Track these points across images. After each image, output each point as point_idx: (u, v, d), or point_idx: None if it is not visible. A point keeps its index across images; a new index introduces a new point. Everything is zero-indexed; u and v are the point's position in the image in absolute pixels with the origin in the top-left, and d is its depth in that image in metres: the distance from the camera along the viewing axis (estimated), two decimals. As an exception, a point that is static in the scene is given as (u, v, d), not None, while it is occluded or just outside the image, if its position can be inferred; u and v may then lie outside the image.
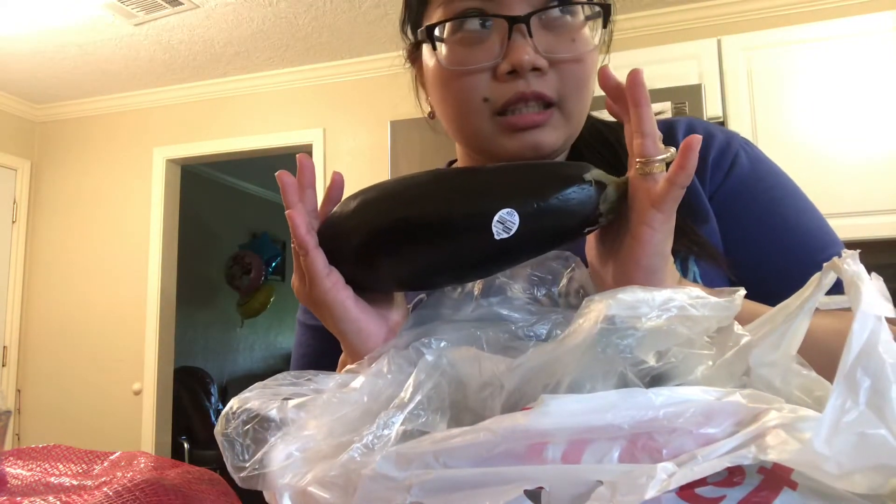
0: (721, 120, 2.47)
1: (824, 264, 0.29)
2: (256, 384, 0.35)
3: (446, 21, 0.57)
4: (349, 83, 3.46)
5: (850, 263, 0.27)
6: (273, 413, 0.33)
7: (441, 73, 0.58)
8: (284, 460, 0.31)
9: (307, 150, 3.49)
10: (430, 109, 0.66)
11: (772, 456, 0.24)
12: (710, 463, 0.24)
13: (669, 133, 0.64)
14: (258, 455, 0.32)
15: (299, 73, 3.52)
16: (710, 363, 0.31)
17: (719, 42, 2.51)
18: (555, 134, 0.57)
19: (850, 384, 0.24)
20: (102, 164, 3.88)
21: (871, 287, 0.26)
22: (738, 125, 2.44)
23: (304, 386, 0.34)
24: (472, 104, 0.57)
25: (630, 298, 0.30)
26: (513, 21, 0.54)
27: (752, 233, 0.60)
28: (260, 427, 0.33)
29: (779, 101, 2.42)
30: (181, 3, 2.81)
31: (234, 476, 0.33)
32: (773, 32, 2.49)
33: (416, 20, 0.62)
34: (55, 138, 4.01)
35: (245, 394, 0.34)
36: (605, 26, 0.58)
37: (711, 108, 2.42)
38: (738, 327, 0.31)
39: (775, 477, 0.25)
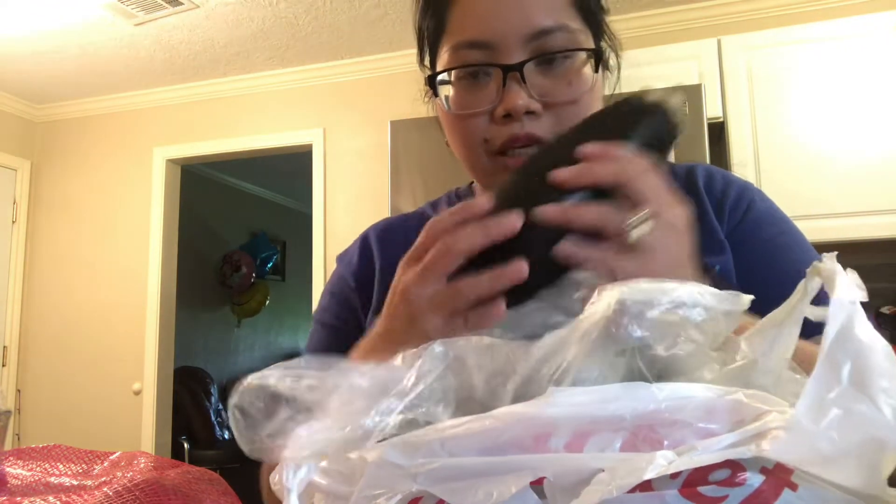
0: (721, 120, 2.47)
1: (807, 270, 0.30)
2: (279, 363, 0.37)
3: (449, 70, 0.61)
4: (349, 83, 3.47)
5: (828, 262, 0.29)
6: (287, 391, 0.34)
7: (447, 115, 0.63)
8: (291, 443, 0.31)
9: (307, 150, 3.49)
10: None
11: (772, 455, 0.24)
12: (709, 454, 0.24)
13: (689, 179, 0.68)
14: (268, 429, 0.33)
15: (299, 73, 3.53)
16: (717, 367, 0.31)
17: (719, 42, 2.51)
18: None
19: (832, 364, 0.25)
20: (102, 164, 3.88)
21: (845, 277, 0.28)
22: (738, 125, 2.44)
23: (325, 371, 0.35)
24: (473, 144, 0.61)
25: (642, 286, 0.32)
26: (507, 69, 0.57)
27: (762, 271, 0.62)
28: (272, 402, 0.34)
29: (779, 101, 2.42)
30: (181, 3, 2.81)
31: (244, 448, 0.34)
32: (773, 32, 2.49)
33: (432, 59, 0.66)
34: (55, 138, 4.01)
35: (264, 371, 0.35)
36: (596, 71, 0.60)
37: (711, 109, 2.42)
38: (746, 344, 0.32)
39: (777, 478, 0.25)
